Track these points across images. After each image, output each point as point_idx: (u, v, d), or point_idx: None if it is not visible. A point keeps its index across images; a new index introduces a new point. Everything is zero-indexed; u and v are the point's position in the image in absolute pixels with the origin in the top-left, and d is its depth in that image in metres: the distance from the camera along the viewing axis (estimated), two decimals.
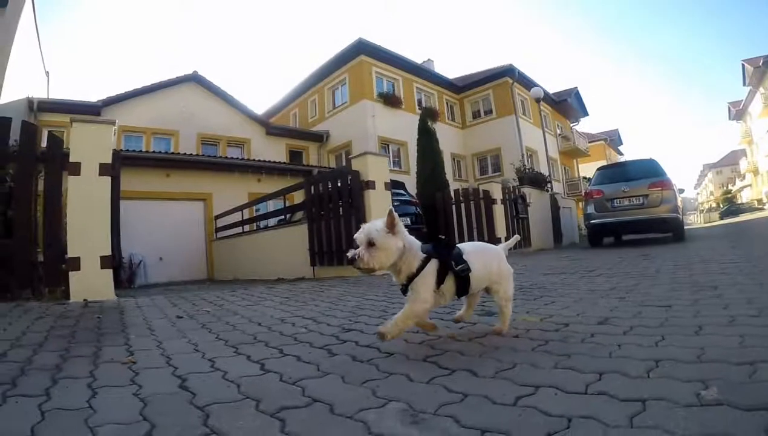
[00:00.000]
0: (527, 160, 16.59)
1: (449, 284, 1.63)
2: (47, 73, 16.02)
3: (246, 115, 17.05)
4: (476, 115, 20.79)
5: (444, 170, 10.94)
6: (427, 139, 10.86)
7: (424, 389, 1.19)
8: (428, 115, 11.82)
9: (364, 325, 2.20)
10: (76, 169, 4.11)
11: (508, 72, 19.47)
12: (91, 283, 4.03)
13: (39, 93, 13.54)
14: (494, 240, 8.67)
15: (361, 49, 16.73)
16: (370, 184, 5.83)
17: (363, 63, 16.83)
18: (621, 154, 41.00)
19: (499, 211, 9.14)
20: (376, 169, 5.97)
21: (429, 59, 21.62)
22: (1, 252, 4.05)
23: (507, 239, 7.96)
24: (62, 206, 4.56)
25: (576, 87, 25.43)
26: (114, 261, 4.53)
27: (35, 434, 1.01)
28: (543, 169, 14.23)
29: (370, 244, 1.53)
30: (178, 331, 2.34)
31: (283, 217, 8.96)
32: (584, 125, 28.46)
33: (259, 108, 19.52)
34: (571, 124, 26.57)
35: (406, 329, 1.62)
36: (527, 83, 20.03)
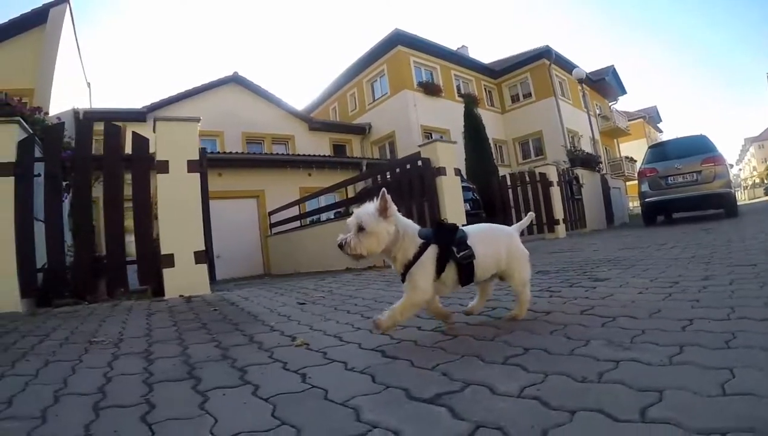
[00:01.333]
0: (575, 142, 16.59)
1: (450, 272, 1.54)
2: (89, 84, 16.38)
3: (288, 112, 17.46)
4: (515, 99, 20.76)
5: (492, 156, 11.21)
6: (474, 126, 11.14)
7: (602, 331, 1.43)
8: (471, 102, 12.08)
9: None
10: (164, 167, 4.16)
11: (544, 54, 19.35)
12: (186, 278, 4.06)
13: (83, 104, 13.76)
14: (552, 222, 8.98)
15: (398, 39, 16.99)
16: (441, 171, 6.04)
17: (400, 53, 17.11)
18: (660, 131, 39.81)
19: (556, 193, 9.25)
20: (446, 156, 6.15)
21: (463, 45, 21.70)
22: (94, 256, 4.15)
23: (565, 220, 8.18)
24: (151, 205, 4.57)
25: (612, 65, 24.93)
26: (207, 256, 4.46)
27: (286, 420, 0.94)
28: (587, 150, 14.26)
29: (361, 229, 1.47)
30: (314, 315, 2.35)
31: (340, 209, 9.19)
32: (621, 104, 27.86)
33: (298, 105, 20.03)
34: (610, 103, 26.11)
35: (403, 321, 1.57)
36: (565, 64, 19.89)
